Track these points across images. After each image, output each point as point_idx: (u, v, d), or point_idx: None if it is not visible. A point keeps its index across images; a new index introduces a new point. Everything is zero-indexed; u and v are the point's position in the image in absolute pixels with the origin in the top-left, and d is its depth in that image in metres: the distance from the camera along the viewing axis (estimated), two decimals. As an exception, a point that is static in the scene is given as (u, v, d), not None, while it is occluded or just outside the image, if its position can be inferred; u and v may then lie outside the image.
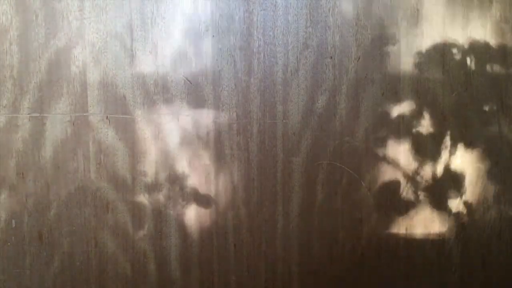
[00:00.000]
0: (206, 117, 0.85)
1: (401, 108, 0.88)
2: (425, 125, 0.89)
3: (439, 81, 0.89)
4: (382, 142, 0.89)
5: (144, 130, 0.84)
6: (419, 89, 0.88)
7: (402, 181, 0.90)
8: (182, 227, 0.86)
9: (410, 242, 0.91)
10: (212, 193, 0.86)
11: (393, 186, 0.90)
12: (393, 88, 0.88)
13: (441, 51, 0.88)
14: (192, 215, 0.86)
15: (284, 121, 0.86)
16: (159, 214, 0.86)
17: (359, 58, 0.87)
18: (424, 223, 0.91)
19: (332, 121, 0.87)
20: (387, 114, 0.88)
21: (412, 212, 0.91)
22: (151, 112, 0.84)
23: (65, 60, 0.81)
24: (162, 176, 0.85)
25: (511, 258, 0.94)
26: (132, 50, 0.82)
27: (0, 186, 0.82)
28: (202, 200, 0.86)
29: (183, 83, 0.84)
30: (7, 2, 0.79)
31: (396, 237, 0.91)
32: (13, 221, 0.83)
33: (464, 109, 0.90)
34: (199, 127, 0.85)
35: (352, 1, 0.86)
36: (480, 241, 0.93)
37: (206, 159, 0.86)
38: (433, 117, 0.89)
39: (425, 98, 0.89)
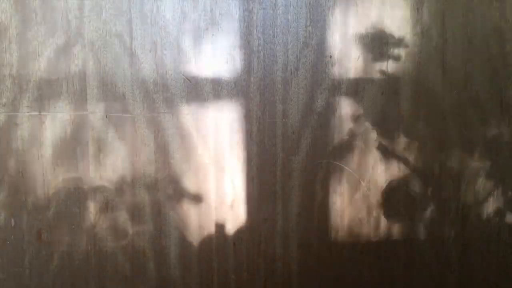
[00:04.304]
0: (206, 116, 0.85)
1: (401, 108, 0.88)
2: (425, 125, 0.89)
3: (439, 81, 0.89)
4: (382, 142, 0.89)
5: (144, 129, 0.84)
6: (419, 88, 0.88)
7: (402, 180, 0.90)
8: (181, 226, 0.86)
9: (410, 242, 0.91)
10: (212, 192, 0.86)
11: (393, 185, 0.90)
12: (393, 88, 0.88)
13: (441, 51, 0.88)
14: (192, 214, 0.86)
15: (283, 120, 0.86)
16: (158, 213, 0.85)
17: (358, 57, 0.86)
18: (424, 222, 0.91)
19: (331, 120, 0.87)
20: (386, 114, 0.88)
21: (411, 212, 0.91)
22: (150, 111, 0.84)
23: (65, 59, 0.81)
24: (162, 175, 0.85)
25: (511, 258, 0.93)
26: (131, 49, 0.82)
27: (-1, 184, 0.82)
28: (201, 199, 0.86)
29: (182, 81, 0.84)
30: (6, 1, 0.79)
31: (396, 237, 0.91)
32: (12, 220, 0.83)
33: (464, 109, 0.90)
34: (198, 126, 0.85)
35: (351, 0, 0.86)
36: (480, 241, 0.93)
37: (205, 157, 0.85)
38: (432, 116, 0.89)
39: (425, 98, 0.89)
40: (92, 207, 0.84)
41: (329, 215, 0.89)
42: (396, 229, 0.91)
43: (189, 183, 0.86)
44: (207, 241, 0.87)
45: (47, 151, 0.82)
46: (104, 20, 0.81)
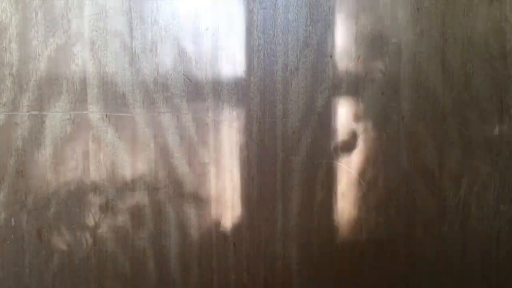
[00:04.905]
0: (206, 116, 0.85)
1: (401, 108, 0.88)
2: (425, 125, 0.89)
3: (439, 81, 0.89)
4: (382, 141, 0.89)
5: (144, 129, 0.84)
6: (419, 88, 0.88)
7: (402, 180, 0.90)
8: (181, 225, 0.86)
9: (410, 242, 0.91)
10: (212, 192, 0.86)
11: (393, 185, 0.90)
12: (393, 87, 0.88)
13: (441, 50, 0.88)
14: (192, 213, 0.86)
15: (283, 119, 0.86)
16: (158, 212, 0.85)
17: (359, 57, 0.87)
18: (424, 222, 0.91)
19: (331, 120, 0.87)
20: (387, 113, 0.88)
21: (411, 212, 0.91)
22: (150, 111, 0.84)
23: (65, 58, 0.81)
24: (162, 175, 0.85)
25: (511, 258, 0.93)
26: (132, 49, 0.82)
27: (-1, 184, 0.82)
28: (201, 198, 0.86)
29: (182, 81, 0.84)
30: (6, 0, 0.79)
31: (396, 236, 0.91)
32: (12, 219, 0.83)
33: (464, 109, 0.90)
34: (198, 126, 0.85)
35: (352, 0, 0.86)
36: (480, 240, 0.93)
37: (205, 157, 0.85)
38: (433, 116, 0.89)
39: (425, 98, 0.89)
40: (92, 207, 0.84)
41: (329, 215, 0.89)
42: (396, 229, 0.91)
43: (189, 183, 0.86)
44: (207, 241, 0.87)
45: (47, 150, 0.82)
46: (104, 20, 0.81)
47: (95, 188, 0.84)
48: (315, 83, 0.86)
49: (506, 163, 0.92)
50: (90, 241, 0.85)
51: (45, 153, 0.82)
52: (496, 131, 0.91)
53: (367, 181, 0.89)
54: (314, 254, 0.89)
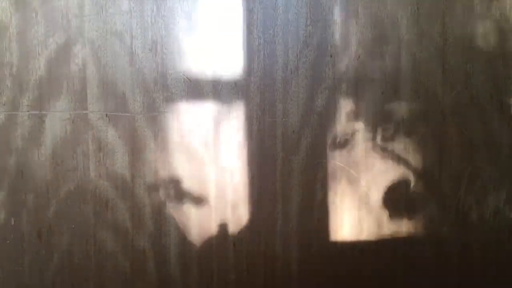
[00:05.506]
0: (206, 116, 0.85)
1: (401, 107, 0.88)
2: (425, 125, 0.89)
3: (439, 81, 0.89)
4: (382, 141, 0.89)
5: (144, 128, 0.84)
6: (419, 88, 0.88)
7: (402, 180, 0.90)
8: (181, 225, 0.86)
9: (409, 242, 0.91)
10: (212, 192, 0.86)
11: (392, 185, 0.90)
12: (393, 87, 0.88)
13: (441, 50, 0.88)
14: (192, 213, 0.86)
15: (283, 119, 0.86)
16: (158, 212, 0.85)
17: (359, 57, 0.87)
18: (424, 222, 0.91)
19: (331, 120, 0.87)
20: (386, 113, 0.88)
21: (411, 212, 0.91)
22: (150, 110, 0.84)
23: (65, 58, 0.81)
24: (162, 174, 0.85)
25: (511, 258, 0.93)
26: (131, 48, 0.82)
27: (-1, 184, 0.82)
28: (201, 198, 0.86)
29: (182, 81, 0.84)
30: (6, 0, 0.79)
31: (396, 236, 0.91)
32: (12, 219, 0.83)
33: (464, 108, 0.90)
34: (198, 126, 0.85)
35: (352, 0, 0.86)
36: (480, 240, 0.93)
37: (205, 157, 0.85)
38: (432, 116, 0.89)
39: (425, 98, 0.89)
40: (92, 207, 0.84)
41: (329, 215, 0.89)
42: (396, 229, 0.91)
43: (189, 183, 0.86)
44: (207, 241, 0.87)
45: (47, 150, 0.82)
46: (104, 19, 0.81)
47: (95, 187, 0.84)
48: (315, 83, 0.86)
49: (506, 163, 0.92)
50: (90, 240, 0.85)
51: (45, 153, 0.82)
52: (496, 131, 0.91)
53: (367, 181, 0.89)
54: (314, 254, 0.89)
